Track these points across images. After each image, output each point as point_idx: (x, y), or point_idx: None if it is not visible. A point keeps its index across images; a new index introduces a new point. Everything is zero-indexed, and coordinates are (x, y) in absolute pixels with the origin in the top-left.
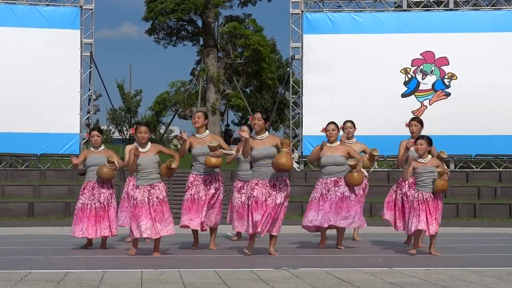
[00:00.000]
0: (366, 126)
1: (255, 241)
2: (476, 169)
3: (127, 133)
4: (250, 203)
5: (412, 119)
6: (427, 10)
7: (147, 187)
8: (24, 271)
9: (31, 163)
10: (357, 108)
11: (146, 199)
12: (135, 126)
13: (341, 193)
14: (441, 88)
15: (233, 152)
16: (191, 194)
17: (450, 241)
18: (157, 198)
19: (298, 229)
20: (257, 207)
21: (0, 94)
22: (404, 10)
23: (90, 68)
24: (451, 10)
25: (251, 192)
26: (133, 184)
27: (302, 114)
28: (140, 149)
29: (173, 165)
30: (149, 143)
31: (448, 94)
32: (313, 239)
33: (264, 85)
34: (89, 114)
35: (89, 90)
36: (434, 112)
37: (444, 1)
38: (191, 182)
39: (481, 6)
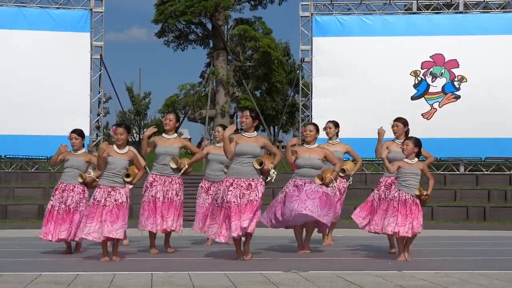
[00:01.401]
0: (375, 129)
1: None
2: (486, 172)
3: (136, 136)
4: (225, 207)
5: (396, 119)
6: (437, 13)
7: (108, 188)
8: (34, 273)
9: (41, 166)
10: (367, 110)
11: (103, 200)
12: (114, 127)
13: (323, 190)
14: (451, 91)
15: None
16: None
17: (459, 244)
18: (115, 200)
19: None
20: (232, 213)
21: (10, 97)
22: (414, 13)
23: (100, 70)
24: (460, 12)
25: (225, 195)
26: (149, 182)
27: (311, 117)
28: (116, 150)
29: (127, 179)
30: (127, 146)
31: (458, 97)
32: (319, 239)
33: (274, 87)
34: (99, 117)
35: (99, 93)
36: (444, 115)
37: (454, 4)
38: (150, 183)
39: (491, 9)
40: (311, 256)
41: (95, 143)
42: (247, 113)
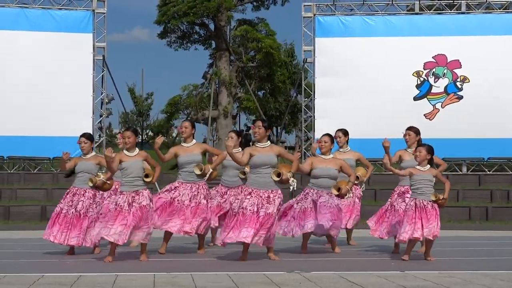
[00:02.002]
0: (378, 129)
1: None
2: (488, 172)
3: (139, 136)
4: (238, 213)
5: (408, 128)
6: (439, 13)
7: (132, 194)
8: (37, 275)
9: (43, 167)
10: (369, 111)
11: (127, 205)
12: (122, 131)
13: (334, 204)
14: (454, 91)
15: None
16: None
17: (462, 245)
18: (139, 204)
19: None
20: (244, 221)
21: (12, 97)
22: (416, 13)
23: (103, 71)
24: (463, 13)
25: (242, 202)
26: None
27: (314, 118)
28: (127, 153)
29: (147, 179)
30: (136, 148)
31: (460, 97)
32: (323, 243)
33: (277, 88)
34: (101, 118)
35: (102, 94)
36: (447, 115)
37: (456, 4)
38: (175, 187)
39: (493, 9)
40: (313, 257)
41: (97, 144)
42: (260, 123)
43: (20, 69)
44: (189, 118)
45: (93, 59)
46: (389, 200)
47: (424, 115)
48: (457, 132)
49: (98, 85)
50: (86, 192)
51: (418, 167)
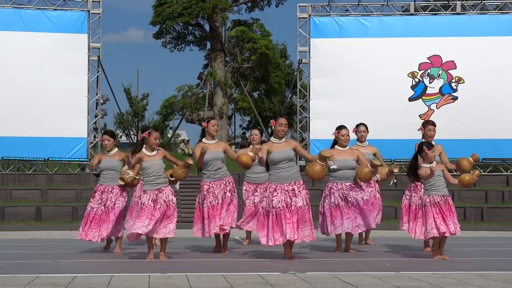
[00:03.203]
0: (373, 130)
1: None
2: (483, 173)
3: (134, 137)
4: (272, 214)
5: (429, 123)
6: (434, 14)
7: (155, 192)
8: (31, 275)
9: (38, 167)
10: (364, 111)
11: (152, 203)
12: (148, 131)
13: (362, 198)
14: (449, 92)
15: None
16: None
17: (457, 245)
18: (164, 201)
19: None
20: (279, 220)
21: (7, 98)
22: (411, 14)
23: (98, 72)
24: (458, 14)
25: (271, 201)
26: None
27: (309, 118)
28: (147, 153)
29: (190, 161)
30: (159, 147)
31: (455, 98)
32: (321, 243)
33: (272, 89)
34: (96, 118)
35: (97, 94)
36: (441, 116)
37: (451, 5)
38: (207, 191)
39: (488, 10)
40: (308, 257)
41: (92, 144)
42: (285, 121)
43: (15, 69)
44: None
45: (88, 60)
46: (411, 194)
47: (419, 116)
48: (452, 133)
49: (93, 86)
50: (113, 188)
51: (429, 164)
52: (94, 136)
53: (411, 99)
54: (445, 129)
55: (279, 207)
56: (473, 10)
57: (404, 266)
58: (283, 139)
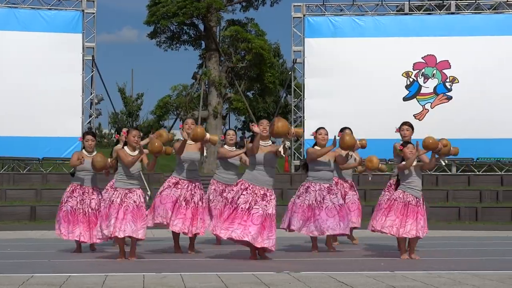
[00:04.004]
0: (368, 130)
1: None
2: (478, 173)
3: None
4: (232, 208)
5: (404, 124)
6: (429, 14)
7: (125, 191)
8: (26, 275)
9: (33, 167)
10: (359, 111)
11: (119, 200)
12: (127, 129)
13: (338, 202)
14: (443, 92)
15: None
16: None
17: (452, 245)
18: (134, 202)
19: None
20: (237, 217)
21: (1, 98)
22: (406, 14)
23: (92, 71)
24: (452, 13)
25: (237, 198)
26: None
27: (303, 118)
28: (129, 152)
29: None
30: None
31: (449, 98)
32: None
33: (266, 89)
34: (91, 118)
35: (91, 94)
36: (436, 116)
37: (445, 5)
38: (174, 184)
39: (482, 10)
40: (303, 257)
41: None
42: (265, 122)
43: (9, 69)
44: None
45: (83, 59)
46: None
47: (413, 115)
48: (446, 132)
49: (87, 86)
50: (94, 189)
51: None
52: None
53: (405, 98)
54: (439, 129)
55: (242, 208)
56: (467, 10)
57: (399, 265)
58: (269, 142)
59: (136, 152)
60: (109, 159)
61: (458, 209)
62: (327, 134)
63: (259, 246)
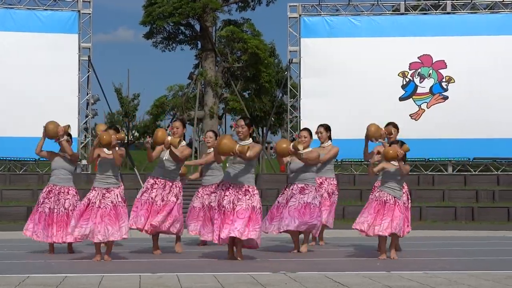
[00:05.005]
0: (364, 130)
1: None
2: (474, 172)
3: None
4: (221, 211)
5: (389, 124)
6: (425, 14)
7: (103, 190)
8: (22, 275)
9: (29, 167)
10: (355, 111)
11: (98, 202)
12: (105, 129)
13: (304, 202)
14: (439, 92)
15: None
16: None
17: (448, 245)
18: (111, 202)
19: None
20: (224, 219)
21: None
22: (402, 14)
23: (88, 72)
24: (448, 13)
25: (222, 199)
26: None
27: (300, 118)
28: (105, 151)
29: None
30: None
31: (445, 98)
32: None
33: (262, 88)
34: (87, 118)
35: (87, 94)
36: (432, 116)
37: (441, 5)
38: (151, 185)
39: (478, 10)
40: (299, 257)
41: (83, 144)
42: (242, 122)
43: (5, 69)
44: (181, 119)
45: (79, 60)
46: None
47: (409, 115)
48: (442, 132)
49: (83, 86)
50: (70, 189)
51: (392, 162)
52: (85, 136)
53: (401, 98)
54: (435, 129)
55: (228, 208)
56: (463, 10)
57: (395, 265)
58: (249, 141)
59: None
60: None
61: (455, 209)
62: (307, 136)
63: (245, 238)
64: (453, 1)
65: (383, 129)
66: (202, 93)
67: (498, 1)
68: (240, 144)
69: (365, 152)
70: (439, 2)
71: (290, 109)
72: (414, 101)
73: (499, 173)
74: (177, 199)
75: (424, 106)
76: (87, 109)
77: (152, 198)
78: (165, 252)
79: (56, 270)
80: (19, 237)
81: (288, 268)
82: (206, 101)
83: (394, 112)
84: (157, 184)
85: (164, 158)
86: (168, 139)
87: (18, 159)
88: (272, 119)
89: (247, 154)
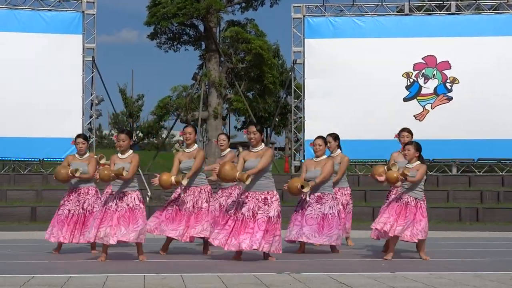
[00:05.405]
0: (368, 131)
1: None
2: (478, 173)
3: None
4: (237, 219)
5: (403, 130)
6: (429, 14)
7: (120, 194)
8: (27, 276)
9: (33, 168)
10: (359, 112)
11: (114, 205)
12: (116, 134)
13: (322, 213)
14: (443, 92)
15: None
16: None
17: (452, 246)
18: (127, 205)
19: None
20: (243, 227)
21: (2, 99)
22: (406, 14)
23: (92, 72)
24: (452, 14)
25: (240, 207)
26: (107, 191)
27: (304, 119)
28: (120, 156)
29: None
30: (130, 151)
31: (450, 98)
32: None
33: (266, 89)
34: (91, 119)
35: (91, 95)
36: (436, 116)
37: (446, 5)
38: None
39: (483, 10)
40: (303, 258)
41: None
42: (254, 128)
43: (9, 70)
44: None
45: (83, 61)
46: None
47: (413, 116)
48: (447, 133)
49: (88, 87)
50: (89, 190)
51: (407, 165)
52: (89, 137)
53: (405, 99)
54: (440, 130)
55: (247, 215)
56: (467, 10)
57: (400, 266)
58: (261, 147)
59: (125, 155)
60: (69, 171)
61: (459, 209)
62: (321, 145)
63: (261, 250)
64: (458, 2)
65: (396, 134)
66: (206, 93)
67: (503, 2)
68: (239, 172)
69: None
70: (443, 3)
71: (294, 110)
72: (418, 102)
73: (503, 174)
74: (208, 205)
75: (428, 107)
76: (91, 110)
77: (179, 206)
78: (169, 253)
79: (61, 271)
80: (24, 237)
81: (292, 269)
82: (210, 102)
83: (398, 113)
84: (187, 192)
85: (185, 167)
86: (173, 180)
87: (22, 159)
88: (276, 119)
89: (247, 182)
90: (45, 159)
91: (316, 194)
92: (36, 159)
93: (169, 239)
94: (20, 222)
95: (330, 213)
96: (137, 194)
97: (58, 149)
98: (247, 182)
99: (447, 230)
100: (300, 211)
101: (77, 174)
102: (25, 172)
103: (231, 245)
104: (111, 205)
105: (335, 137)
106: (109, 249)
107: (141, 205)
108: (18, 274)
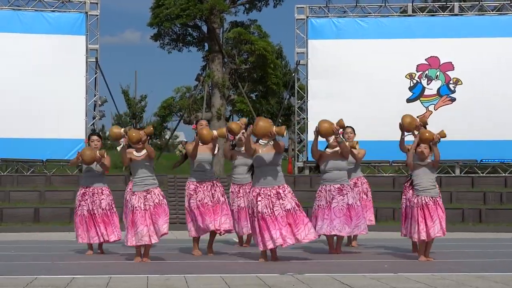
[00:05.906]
0: (371, 131)
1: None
2: (481, 174)
3: None
4: (258, 219)
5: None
6: (432, 15)
7: (143, 193)
8: (29, 277)
9: (36, 169)
10: (362, 113)
11: (142, 205)
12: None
13: (347, 203)
14: (446, 93)
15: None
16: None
17: (455, 246)
18: (153, 202)
19: None
20: (267, 224)
21: (5, 99)
22: (409, 15)
23: (96, 73)
24: (456, 15)
25: (255, 206)
26: (130, 189)
27: (307, 119)
28: (136, 154)
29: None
30: (144, 150)
31: (453, 99)
32: (318, 245)
33: (270, 90)
34: (94, 120)
35: (95, 96)
36: (439, 117)
37: (449, 6)
38: (194, 190)
39: (486, 11)
40: (307, 259)
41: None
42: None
43: (13, 71)
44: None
45: (86, 61)
46: (404, 197)
47: (417, 117)
48: (450, 134)
49: (91, 87)
50: (103, 190)
51: (420, 162)
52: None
53: (409, 100)
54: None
55: (265, 212)
56: (471, 11)
57: (402, 267)
58: (270, 142)
59: (142, 152)
60: (97, 152)
61: (462, 210)
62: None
63: (302, 241)
64: (461, 3)
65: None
66: (209, 94)
67: (506, 3)
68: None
69: (401, 143)
70: (446, 4)
71: (297, 111)
72: (421, 103)
73: (506, 175)
74: (224, 198)
75: (431, 107)
76: (94, 111)
77: (200, 201)
78: (171, 254)
79: (64, 272)
80: (27, 238)
81: (295, 270)
82: (213, 103)
83: (401, 114)
84: (201, 187)
85: (201, 159)
86: (215, 133)
87: (25, 160)
88: (280, 120)
89: (284, 134)
90: (48, 160)
91: (335, 186)
92: (39, 160)
93: (213, 237)
94: (23, 223)
95: (355, 203)
96: (159, 190)
97: (61, 150)
98: (285, 135)
99: (450, 231)
100: (325, 205)
101: (106, 156)
102: (28, 173)
103: (267, 244)
104: (139, 206)
105: (353, 129)
106: (116, 250)
107: (164, 200)
108: (21, 275)
